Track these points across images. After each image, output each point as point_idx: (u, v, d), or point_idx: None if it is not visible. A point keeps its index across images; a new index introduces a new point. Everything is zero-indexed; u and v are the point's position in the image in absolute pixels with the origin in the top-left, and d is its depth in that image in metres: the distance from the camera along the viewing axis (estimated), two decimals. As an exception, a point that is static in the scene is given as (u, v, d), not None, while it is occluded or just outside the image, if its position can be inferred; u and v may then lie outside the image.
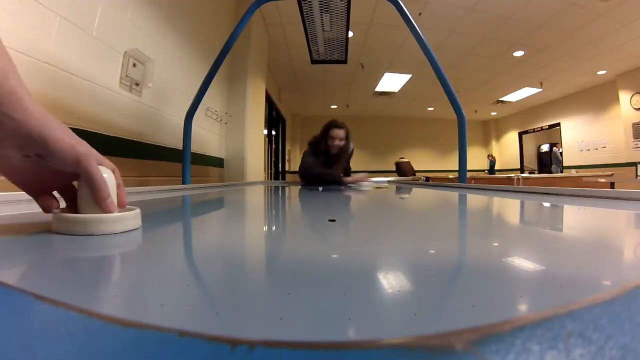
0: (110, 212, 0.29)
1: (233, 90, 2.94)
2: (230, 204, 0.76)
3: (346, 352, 0.08)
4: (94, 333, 0.10)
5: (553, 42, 4.21)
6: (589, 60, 4.79)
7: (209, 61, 1.83)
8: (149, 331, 0.10)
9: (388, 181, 2.20)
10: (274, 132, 5.81)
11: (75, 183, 0.30)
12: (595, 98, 5.97)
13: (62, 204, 0.32)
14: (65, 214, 0.28)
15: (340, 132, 1.81)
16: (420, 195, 1.03)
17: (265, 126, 4.08)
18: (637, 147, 5.14)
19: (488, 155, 8.83)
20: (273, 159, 5.82)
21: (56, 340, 0.09)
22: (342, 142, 1.82)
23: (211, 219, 0.51)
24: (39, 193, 0.30)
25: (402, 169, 5.65)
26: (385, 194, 1.10)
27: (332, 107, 7.75)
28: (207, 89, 1.76)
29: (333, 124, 1.82)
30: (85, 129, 1.26)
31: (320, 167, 1.81)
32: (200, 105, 1.75)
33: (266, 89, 3.95)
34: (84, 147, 0.28)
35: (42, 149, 0.26)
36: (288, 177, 6.60)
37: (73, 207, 0.30)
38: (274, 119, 5.59)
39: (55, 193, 0.32)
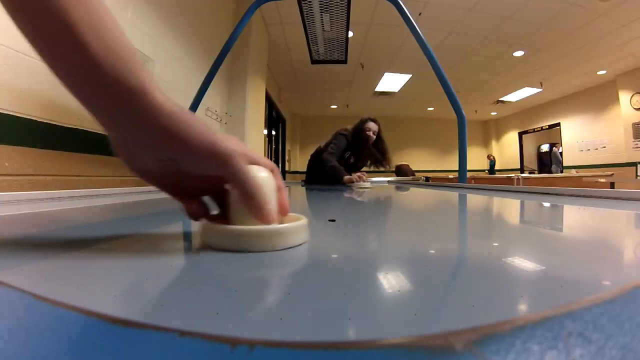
0: (268, 223, 0.22)
1: (233, 90, 2.94)
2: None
3: (346, 352, 0.08)
4: (94, 333, 0.10)
5: (553, 42, 4.21)
6: (589, 60, 4.79)
7: (209, 61, 1.83)
8: (149, 331, 0.10)
9: (388, 181, 2.20)
10: (274, 132, 5.81)
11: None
12: (595, 98, 5.97)
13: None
14: (214, 224, 0.23)
15: (374, 126, 1.98)
16: (420, 195, 1.03)
17: (265, 126, 4.08)
18: (637, 147, 5.14)
19: (488, 156, 8.81)
20: (273, 159, 5.82)
21: (56, 340, 0.09)
22: (374, 136, 1.97)
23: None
24: (187, 198, 0.25)
25: (402, 171, 5.76)
26: (384, 193, 1.10)
27: (332, 107, 7.75)
28: (207, 89, 1.76)
29: (369, 118, 2.00)
30: (86, 129, 1.26)
31: (336, 161, 1.90)
32: (200, 105, 1.75)
33: (266, 89, 3.95)
34: (227, 145, 0.22)
35: (173, 151, 0.22)
36: (288, 177, 6.59)
37: (226, 214, 0.25)
38: (274, 119, 5.59)
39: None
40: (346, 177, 1.76)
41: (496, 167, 8.47)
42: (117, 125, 0.23)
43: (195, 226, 0.25)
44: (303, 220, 0.24)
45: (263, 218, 0.22)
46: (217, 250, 0.22)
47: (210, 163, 0.22)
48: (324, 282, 0.17)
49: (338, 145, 1.98)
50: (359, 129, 1.98)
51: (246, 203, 0.23)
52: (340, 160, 1.96)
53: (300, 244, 0.23)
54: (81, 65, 0.21)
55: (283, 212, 0.26)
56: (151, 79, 0.22)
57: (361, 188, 1.44)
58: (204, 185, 0.25)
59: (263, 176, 0.23)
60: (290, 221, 0.24)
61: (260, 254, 0.21)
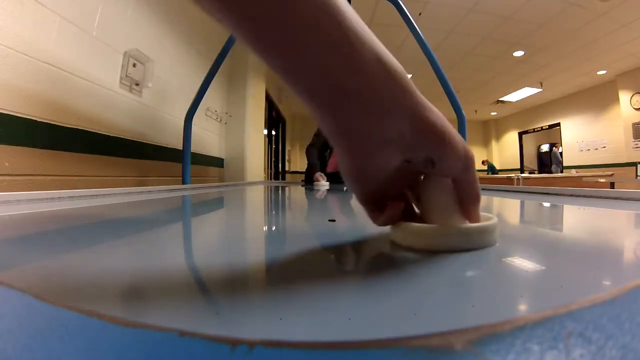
0: (477, 221, 0.23)
1: (233, 90, 2.94)
2: (236, 203, 0.76)
3: (346, 352, 0.08)
4: (94, 333, 0.10)
5: (553, 42, 4.21)
6: (589, 60, 4.79)
7: (209, 61, 1.83)
8: (149, 331, 0.10)
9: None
10: (274, 132, 5.81)
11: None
12: (595, 98, 5.97)
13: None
14: (413, 224, 0.22)
15: None
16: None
17: (265, 126, 4.08)
18: (637, 147, 5.14)
19: (483, 161, 8.51)
20: (273, 159, 5.82)
21: (56, 340, 0.09)
22: None
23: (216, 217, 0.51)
24: (379, 202, 0.23)
25: None
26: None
27: (332, 107, 7.72)
28: (207, 89, 1.76)
29: None
30: (86, 129, 1.26)
31: (317, 161, 1.98)
32: (200, 105, 1.75)
33: (266, 89, 3.95)
34: (469, 148, 0.21)
35: (437, 152, 0.20)
36: (288, 177, 6.59)
37: (407, 217, 0.24)
38: (274, 119, 5.59)
39: None
40: (315, 176, 1.84)
41: (496, 168, 8.41)
42: (364, 113, 0.18)
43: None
44: (495, 219, 0.24)
45: (476, 218, 0.23)
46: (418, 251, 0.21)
47: (462, 166, 0.21)
48: (325, 282, 0.17)
49: (319, 136, 2.00)
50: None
51: (466, 202, 0.22)
52: (324, 151, 2.02)
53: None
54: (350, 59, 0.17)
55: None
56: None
57: (319, 188, 1.50)
58: (404, 186, 0.24)
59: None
60: (486, 221, 0.23)
61: (458, 254, 0.21)
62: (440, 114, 0.20)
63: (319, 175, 1.81)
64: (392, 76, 0.18)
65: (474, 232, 0.22)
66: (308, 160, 2.02)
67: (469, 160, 0.21)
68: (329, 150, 2.03)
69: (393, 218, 0.23)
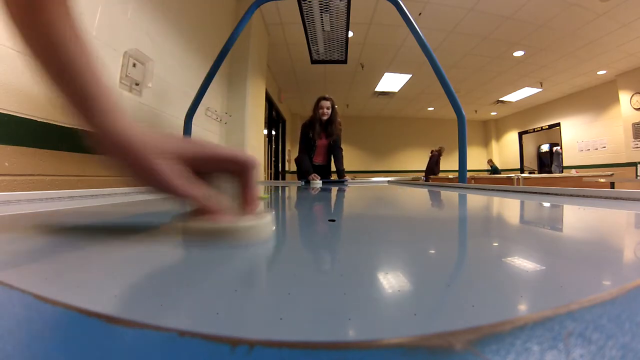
0: (251, 212, 0.30)
1: (233, 90, 2.94)
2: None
3: (346, 352, 0.08)
4: (94, 333, 0.10)
5: (553, 42, 4.21)
6: (589, 60, 4.79)
7: (209, 61, 1.83)
8: (149, 331, 0.10)
9: (388, 181, 2.20)
10: (274, 132, 5.81)
11: None
12: (595, 98, 5.98)
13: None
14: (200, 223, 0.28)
15: (326, 103, 2.32)
16: (419, 195, 1.03)
17: (265, 126, 4.08)
18: (637, 147, 5.15)
19: (489, 161, 8.70)
20: (273, 159, 5.82)
21: (56, 340, 0.09)
22: (329, 111, 2.32)
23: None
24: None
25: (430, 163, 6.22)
26: (373, 193, 1.10)
27: (332, 107, 7.74)
28: (207, 89, 1.76)
29: (322, 97, 2.35)
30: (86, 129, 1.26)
31: (306, 158, 2.31)
32: (200, 105, 1.76)
33: (266, 89, 3.95)
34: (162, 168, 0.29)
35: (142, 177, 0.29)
36: (288, 177, 6.59)
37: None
38: (274, 119, 5.59)
39: None
40: (310, 176, 2.14)
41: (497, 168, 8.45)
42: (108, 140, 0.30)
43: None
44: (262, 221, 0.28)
45: (251, 209, 0.29)
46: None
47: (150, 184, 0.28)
48: (325, 282, 0.17)
49: (301, 135, 2.38)
50: (314, 109, 2.35)
51: (244, 196, 0.29)
52: (309, 143, 2.34)
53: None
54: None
55: (248, 210, 0.30)
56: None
57: (314, 186, 1.67)
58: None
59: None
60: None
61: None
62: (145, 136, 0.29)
63: (314, 175, 2.15)
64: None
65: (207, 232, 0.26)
66: (301, 167, 2.32)
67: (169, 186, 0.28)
68: (314, 149, 2.37)
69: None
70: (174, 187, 0.27)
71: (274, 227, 0.29)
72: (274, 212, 0.31)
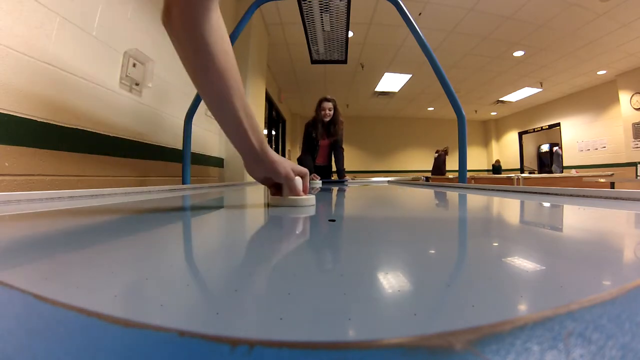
0: (299, 195, 0.54)
1: (233, 90, 2.93)
2: (237, 203, 0.76)
3: (346, 352, 0.08)
4: (94, 333, 0.10)
5: (553, 42, 4.21)
6: (589, 60, 4.79)
7: (209, 61, 1.82)
8: (149, 331, 0.10)
9: (388, 181, 2.20)
10: (274, 132, 5.81)
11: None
12: (595, 98, 5.98)
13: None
14: (276, 196, 0.55)
15: (328, 104, 2.35)
16: (419, 195, 1.03)
17: (265, 126, 4.08)
18: (637, 147, 5.15)
19: (496, 161, 8.83)
20: (273, 159, 5.81)
21: (56, 340, 0.09)
22: (331, 112, 2.35)
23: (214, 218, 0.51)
24: (271, 186, 0.57)
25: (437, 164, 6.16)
26: (373, 193, 1.10)
27: (332, 107, 7.74)
28: (207, 89, 1.75)
29: (324, 98, 2.37)
30: (85, 129, 1.26)
31: (309, 159, 2.38)
32: (200, 105, 1.75)
33: (266, 89, 3.95)
34: (287, 170, 0.53)
35: (270, 174, 0.54)
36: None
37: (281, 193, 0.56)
38: (274, 119, 5.59)
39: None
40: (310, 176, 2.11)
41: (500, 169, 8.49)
42: (251, 161, 0.54)
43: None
44: (312, 196, 0.56)
45: (296, 194, 0.54)
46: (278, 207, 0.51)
47: (281, 178, 0.53)
48: (325, 282, 0.17)
49: (305, 135, 2.43)
50: (316, 110, 2.38)
51: (289, 190, 0.54)
52: (312, 144, 2.39)
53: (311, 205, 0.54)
54: (243, 142, 0.52)
55: (305, 192, 0.56)
56: (267, 144, 0.53)
57: (314, 186, 1.73)
58: (278, 182, 0.55)
59: (297, 179, 0.55)
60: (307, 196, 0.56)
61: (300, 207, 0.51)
62: (281, 160, 0.55)
63: (314, 175, 2.20)
64: (263, 149, 0.53)
65: (294, 201, 0.53)
66: (304, 166, 2.35)
67: (285, 176, 0.53)
68: (316, 149, 2.42)
69: (275, 194, 0.56)
70: (292, 182, 0.53)
71: (314, 201, 0.55)
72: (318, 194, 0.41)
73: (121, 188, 0.88)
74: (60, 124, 1.14)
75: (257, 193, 1.12)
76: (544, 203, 0.64)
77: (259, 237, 0.34)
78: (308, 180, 0.58)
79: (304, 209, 0.50)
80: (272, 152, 0.53)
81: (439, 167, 6.18)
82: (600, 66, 5.03)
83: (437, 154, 6.35)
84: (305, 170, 0.57)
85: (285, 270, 0.20)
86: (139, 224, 0.40)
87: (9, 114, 0.97)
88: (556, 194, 0.74)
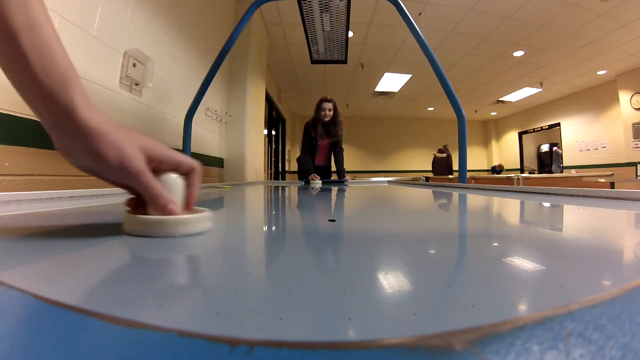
0: (169, 214, 0.27)
1: (233, 90, 2.94)
2: (237, 202, 0.76)
3: (346, 352, 0.08)
4: (94, 333, 0.10)
5: (553, 42, 4.21)
6: (589, 60, 4.79)
7: (209, 61, 1.83)
8: (149, 331, 0.10)
9: (388, 181, 2.21)
10: (274, 132, 5.81)
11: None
12: (595, 98, 5.97)
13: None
14: (129, 214, 0.28)
15: (328, 105, 2.34)
16: (419, 195, 1.03)
17: (265, 126, 4.08)
18: (637, 147, 5.14)
19: (498, 165, 8.72)
20: (273, 159, 5.82)
21: (56, 340, 0.09)
22: (331, 112, 2.34)
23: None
24: (125, 188, 0.30)
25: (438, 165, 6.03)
26: (373, 193, 1.10)
27: (332, 107, 7.74)
28: (207, 89, 1.76)
29: (324, 99, 2.36)
30: (85, 129, 1.26)
31: (309, 159, 2.36)
32: (200, 105, 1.75)
33: (266, 89, 3.95)
34: (136, 165, 0.27)
35: (92, 164, 0.27)
36: (288, 177, 6.59)
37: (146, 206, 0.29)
38: (274, 119, 5.59)
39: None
40: (310, 176, 2.19)
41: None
42: (51, 131, 0.29)
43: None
44: (205, 213, 0.29)
45: (168, 212, 0.28)
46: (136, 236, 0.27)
47: (121, 176, 0.27)
48: (325, 282, 0.17)
49: (304, 134, 2.41)
50: (316, 110, 2.37)
51: (147, 199, 0.28)
52: (312, 143, 2.37)
53: (202, 232, 0.28)
54: (22, 80, 0.26)
55: (189, 206, 0.31)
56: (84, 97, 0.27)
57: (314, 186, 1.74)
58: (125, 185, 0.29)
59: (168, 178, 0.29)
60: (195, 213, 0.29)
61: (169, 239, 0.26)
62: (115, 133, 0.27)
63: (314, 175, 2.20)
64: (68, 99, 0.27)
65: (157, 225, 0.27)
66: (302, 167, 2.37)
67: (129, 173, 0.27)
68: (316, 149, 2.41)
69: (128, 206, 0.31)
70: (143, 180, 0.27)
71: (210, 224, 0.30)
72: (210, 210, 0.30)
73: (121, 188, 0.88)
74: (60, 124, 1.14)
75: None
76: (544, 203, 0.64)
77: (264, 236, 0.34)
78: (197, 179, 0.32)
79: (177, 243, 0.25)
80: (95, 112, 0.27)
81: (448, 167, 5.99)
82: (600, 66, 5.03)
83: (444, 154, 6.16)
84: (190, 161, 0.31)
85: (285, 270, 0.20)
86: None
87: (9, 114, 0.97)
88: (556, 194, 0.74)
